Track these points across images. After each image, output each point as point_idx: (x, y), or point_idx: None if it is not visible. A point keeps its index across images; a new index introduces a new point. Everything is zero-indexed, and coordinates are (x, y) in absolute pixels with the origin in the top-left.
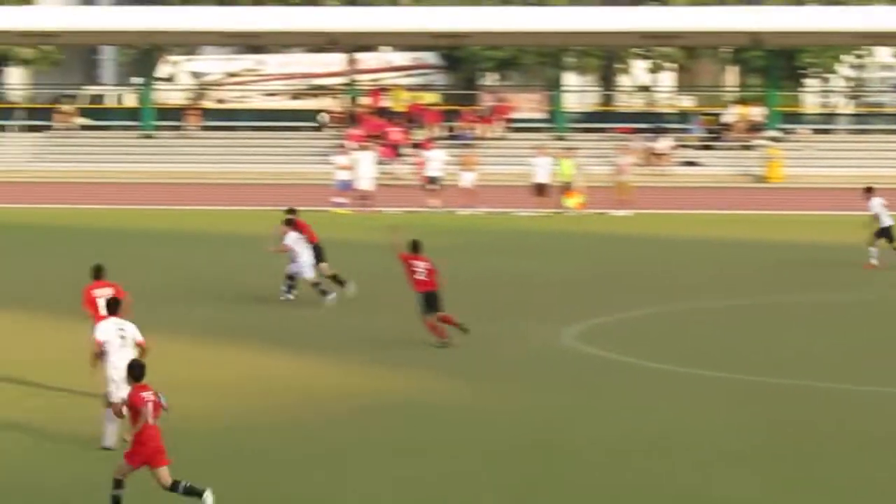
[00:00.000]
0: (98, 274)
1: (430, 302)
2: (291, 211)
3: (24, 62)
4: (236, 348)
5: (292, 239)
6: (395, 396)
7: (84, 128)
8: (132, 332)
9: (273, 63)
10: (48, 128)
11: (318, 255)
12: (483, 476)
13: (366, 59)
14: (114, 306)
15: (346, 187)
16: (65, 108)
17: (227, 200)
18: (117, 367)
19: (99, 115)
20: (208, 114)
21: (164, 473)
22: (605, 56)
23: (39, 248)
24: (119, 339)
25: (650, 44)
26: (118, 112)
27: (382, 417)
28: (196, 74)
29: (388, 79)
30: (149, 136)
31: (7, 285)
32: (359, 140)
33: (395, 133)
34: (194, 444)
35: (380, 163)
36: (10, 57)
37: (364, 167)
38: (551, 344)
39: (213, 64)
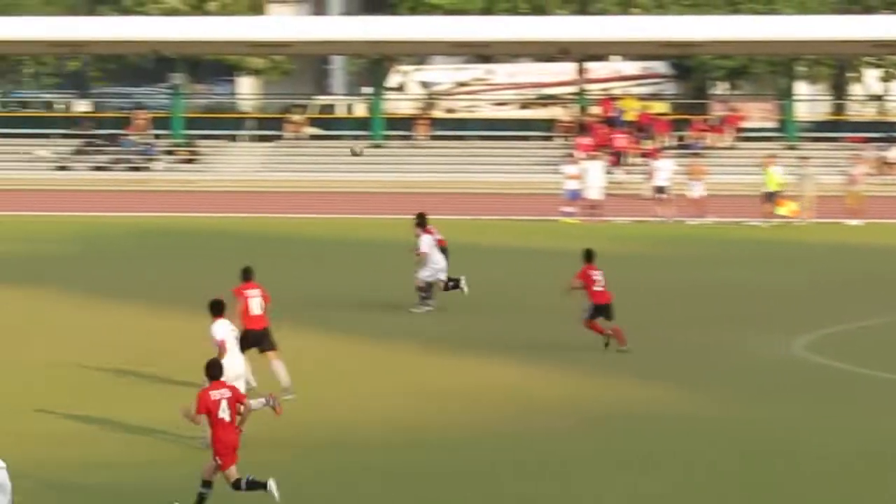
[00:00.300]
0: (247, 276)
1: (603, 313)
2: (422, 216)
3: (256, 72)
4: (461, 356)
5: (426, 244)
6: (617, 406)
7: (313, 137)
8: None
9: (502, 72)
10: (278, 137)
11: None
12: (710, 488)
13: (595, 68)
14: (220, 308)
15: (575, 197)
16: (295, 117)
17: (456, 210)
18: (232, 364)
19: (328, 124)
20: (438, 123)
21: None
22: (837, 65)
23: (264, 257)
24: (233, 339)
25: (882, 52)
26: (348, 122)
27: (607, 428)
28: (425, 84)
29: (618, 88)
30: (378, 146)
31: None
32: (588, 150)
33: (619, 141)
34: (421, 453)
35: (608, 172)
36: (242, 67)
37: (593, 176)
38: (781, 354)
39: (443, 73)
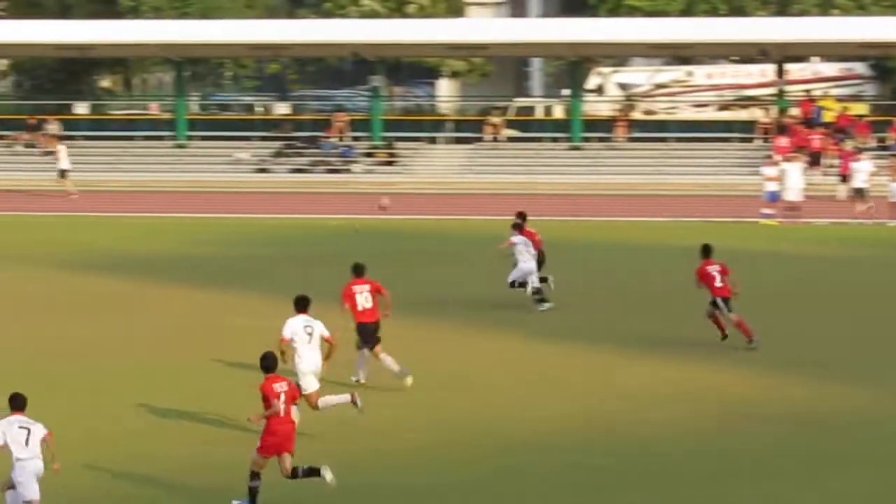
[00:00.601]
0: (358, 272)
1: (727, 305)
2: (521, 215)
3: (455, 74)
4: (655, 357)
5: (516, 241)
6: (804, 406)
7: (511, 139)
8: (319, 328)
9: (700, 74)
10: (477, 139)
11: (540, 263)
12: None
13: (795, 69)
14: (304, 304)
15: (774, 199)
16: (494, 119)
17: (655, 212)
18: (304, 360)
19: (527, 126)
20: (636, 125)
21: (287, 461)
22: None
23: (464, 258)
24: (306, 335)
25: None
26: (546, 123)
27: (799, 427)
28: (623, 86)
29: (817, 89)
30: (577, 148)
31: (438, 294)
32: (787, 151)
33: (816, 142)
34: (623, 456)
35: (807, 174)
36: (441, 69)
37: (792, 178)
38: None
39: (642, 75)
